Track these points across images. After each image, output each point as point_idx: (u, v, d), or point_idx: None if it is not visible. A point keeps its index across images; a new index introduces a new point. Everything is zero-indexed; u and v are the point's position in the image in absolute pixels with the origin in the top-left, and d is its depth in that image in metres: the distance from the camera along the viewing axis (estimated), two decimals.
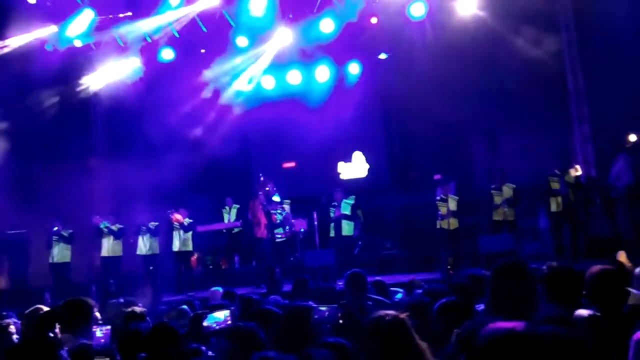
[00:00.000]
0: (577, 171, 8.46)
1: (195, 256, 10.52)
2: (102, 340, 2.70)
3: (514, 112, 9.76)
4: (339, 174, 12.14)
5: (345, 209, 9.82)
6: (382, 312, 2.14)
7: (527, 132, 9.53)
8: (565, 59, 9.77)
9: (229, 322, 3.39)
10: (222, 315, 3.41)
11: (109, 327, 2.80)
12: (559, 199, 8.37)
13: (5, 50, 9.82)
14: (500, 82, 9.74)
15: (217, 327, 3.36)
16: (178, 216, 9.84)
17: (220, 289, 6.48)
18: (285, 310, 3.33)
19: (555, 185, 8.41)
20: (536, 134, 9.41)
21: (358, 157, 12.21)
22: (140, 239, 9.84)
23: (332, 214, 9.86)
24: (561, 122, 9.75)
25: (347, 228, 9.80)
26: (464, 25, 9.71)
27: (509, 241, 8.12)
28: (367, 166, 12.14)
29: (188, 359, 2.76)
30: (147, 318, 3.81)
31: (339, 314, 2.44)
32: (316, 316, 2.56)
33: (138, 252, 9.87)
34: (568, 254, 8.23)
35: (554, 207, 8.46)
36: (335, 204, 9.87)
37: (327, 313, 2.52)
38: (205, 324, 3.39)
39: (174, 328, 3.05)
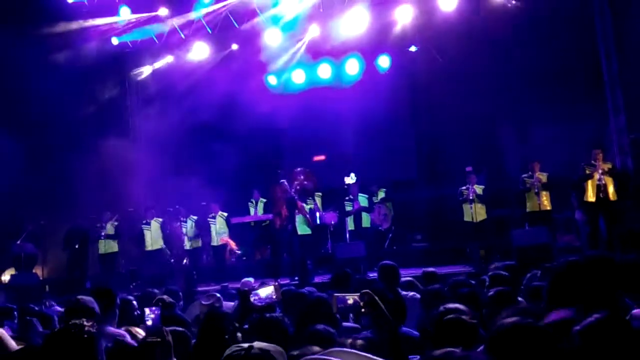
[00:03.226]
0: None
1: (229, 248, 10.75)
2: (152, 322, 2.87)
3: (546, 102, 9.59)
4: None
5: (364, 202, 9.94)
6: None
7: (560, 122, 9.32)
8: (600, 46, 9.54)
9: (274, 297, 3.50)
10: (266, 291, 3.52)
11: (158, 309, 2.96)
12: (595, 189, 8.20)
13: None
14: (532, 71, 9.58)
15: (262, 303, 3.47)
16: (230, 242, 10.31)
17: (252, 279, 6.65)
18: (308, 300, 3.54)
19: (591, 175, 8.24)
20: (569, 124, 9.19)
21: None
22: (184, 234, 10.12)
23: (349, 208, 9.94)
24: (595, 112, 9.51)
25: (366, 219, 9.97)
26: (494, 15, 9.60)
27: (544, 234, 7.93)
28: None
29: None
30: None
31: (361, 302, 2.53)
32: (341, 305, 2.68)
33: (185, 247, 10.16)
34: (603, 247, 8.07)
35: (588, 198, 8.31)
36: (352, 197, 9.96)
37: (351, 301, 2.63)
38: (252, 298, 3.51)
39: (222, 312, 3.24)
